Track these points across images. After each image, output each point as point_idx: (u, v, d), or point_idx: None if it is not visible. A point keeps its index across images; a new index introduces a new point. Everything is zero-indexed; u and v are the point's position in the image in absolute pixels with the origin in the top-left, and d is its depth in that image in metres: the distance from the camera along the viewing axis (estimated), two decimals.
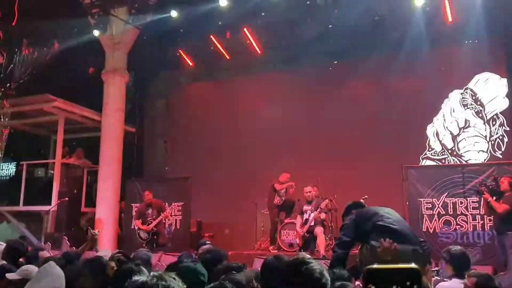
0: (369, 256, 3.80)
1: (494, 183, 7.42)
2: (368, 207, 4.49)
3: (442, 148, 11.21)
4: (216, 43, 12.48)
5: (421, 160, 11.21)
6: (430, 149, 11.30)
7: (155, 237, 9.98)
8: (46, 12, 10.66)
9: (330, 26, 11.25)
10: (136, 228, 10.36)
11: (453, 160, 11.02)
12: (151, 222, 9.91)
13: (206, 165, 12.58)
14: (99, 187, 11.77)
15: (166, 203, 10.60)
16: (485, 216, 8.19)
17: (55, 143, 12.92)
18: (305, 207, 9.47)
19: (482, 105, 10.98)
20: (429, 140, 11.30)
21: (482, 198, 7.42)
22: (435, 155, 11.25)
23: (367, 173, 10.56)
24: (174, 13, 10.59)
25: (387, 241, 3.59)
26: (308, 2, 10.10)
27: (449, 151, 11.15)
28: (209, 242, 6.00)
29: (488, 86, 10.96)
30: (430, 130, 11.34)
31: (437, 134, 11.30)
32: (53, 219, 11.75)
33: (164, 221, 10.22)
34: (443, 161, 11.08)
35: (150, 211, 10.06)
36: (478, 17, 10.25)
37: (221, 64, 13.01)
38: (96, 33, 11.52)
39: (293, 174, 10.71)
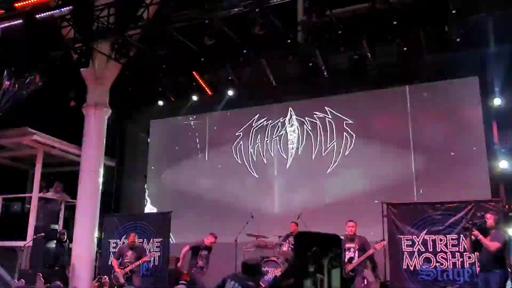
0: None
1: (482, 220, 7.35)
2: None
3: None
4: (198, 79, 12.59)
5: None
6: None
7: (128, 273, 9.73)
8: (29, 45, 10.66)
9: (311, 64, 11.46)
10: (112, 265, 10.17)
11: None
12: (128, 265, 9.72)
13: (187, 201, 12.44)
14: (76, 222, 11.52)
15: (145, 239, 10.48)
16: (464, 253, 8.20)
17: (32, 177, 12.72)
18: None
19: None
20: None
21: (468, 235, 7.34)
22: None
23: (348, 209, 10.54)
24: (158, 49, 10.63)
25: None
26: (289, 41, 10.25)
27: None
28: (183, 282, 5.87)
29: None
30: None
31: None
32: (28, 255, 11.45)
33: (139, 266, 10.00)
34: None
35: (130, 252, 9.88)
36: None
37: (203, 100, 13.07)
38: (78, 67, 11.47)
39: (275, 208, 10.69)
